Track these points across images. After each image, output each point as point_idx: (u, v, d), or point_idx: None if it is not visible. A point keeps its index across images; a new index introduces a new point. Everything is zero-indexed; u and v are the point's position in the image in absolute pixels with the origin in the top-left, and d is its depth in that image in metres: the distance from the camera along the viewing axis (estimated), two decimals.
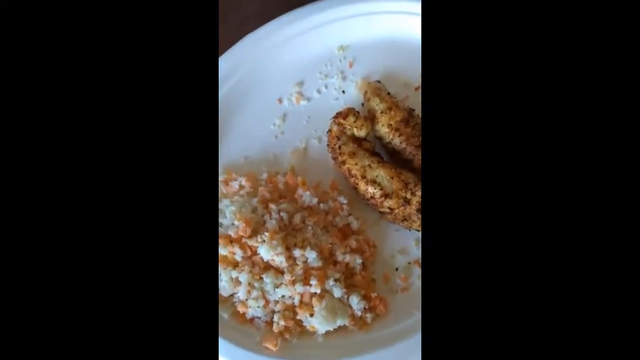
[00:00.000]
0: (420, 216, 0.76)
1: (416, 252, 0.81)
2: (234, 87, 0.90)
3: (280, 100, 0.93)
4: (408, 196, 0.77)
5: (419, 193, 0.76)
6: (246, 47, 0.90)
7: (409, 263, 0.81)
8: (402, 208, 0.77)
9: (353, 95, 0.93)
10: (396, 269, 0.81)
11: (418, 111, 0.88)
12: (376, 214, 0.83)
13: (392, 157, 0.86)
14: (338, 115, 0.83)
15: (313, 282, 0.70)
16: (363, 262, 0.77)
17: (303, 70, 0.94)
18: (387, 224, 0.83)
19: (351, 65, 0.95)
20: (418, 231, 0.80)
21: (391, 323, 0.75)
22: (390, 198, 0.77)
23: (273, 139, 0.91)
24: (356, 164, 0.79)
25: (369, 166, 0.79)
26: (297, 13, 0.92)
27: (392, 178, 0.77)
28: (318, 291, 0.70)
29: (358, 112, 0.84)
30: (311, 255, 0.72)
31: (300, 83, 0.94)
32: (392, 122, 0.82)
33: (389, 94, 0.87)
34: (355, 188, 0.81)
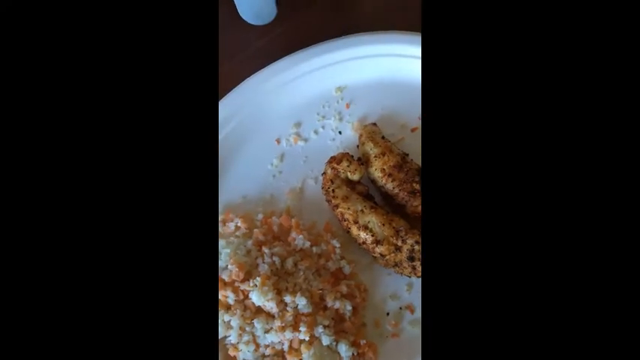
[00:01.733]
0: (410, 263, 0.77)
1: (407, 297, 0.82)
2: (234, 129, 0.93)
3: (278, 141, 0.95)
4: (399, 243, 0.77)
5: (410, 241, 0.77)
6: (246, 91, 0.94)
7: (400, 308, 0.81)
8: (392, 254, 0.78)
9: (349, 136, 0.95)
10: (387, 314, 0.81)
11: (413, 155, 0.89)
12: (369, 257, 0.84)
13: (385, 200, 0.87)
14: (332, 159, 0.85)
15: (302, 328, 0.71)
16: (353, 307, 0.77)
17: (300, 111, 0.96)
18: (380, 268, 0.84)
19: (348, 106, 0.97)
20: (409, 277, 0.81)
21: None
22: (381, 244, 0.78)
23: (270, 178, 0.93)
24: (348, 209, 0.81)
25: (362, 211, 0.80)
26: (297, 57, 0.95)
27: (383, 224, 0.78)
28: (307, 337, 0.71)
29: (352, 157, 0.86)
30: (301, 301, 0.73)
31: (298, 124, 0.97)
32: (385, 167, 0.83)
33: (383, 137, 0.88)
34: (348, 232, 0.83)
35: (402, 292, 0.82)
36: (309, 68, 0.95)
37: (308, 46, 0.97)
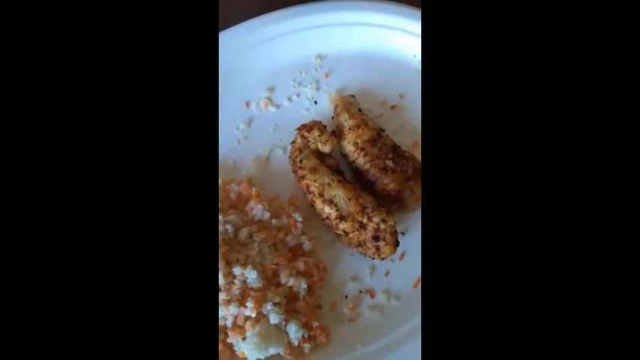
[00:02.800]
0: (374, 243, 0.72)
1: (368, 280, 0.77)
2: None
3: (247, 104, 0.88)
4: (364, 220, 0.72)
5: (376, 219, 0.71)
6: (221, 43, 0.85)
7: (360, 292, 0.76)
8: (357, 232, 0.72)
9: (325, 107, 0.89)
10: (345, 297, 0.76)
11: (389, 131, 0.84)
12: (332, 234, 0.78)
13: (356, 177, 0.81)
14: (303, 126, 0.79)
15: (249, 304, 0.65)
16: (309, 287, 0.72)
17: (275, 75, 0.89)
18: (343, 247, 0.78)
19: (326, 76, 0.90)
20: (373, 259, 0.75)
21: (330, 356, 0.71)
22: (345, 220, 0.72)
23: (235, 143, 0.85)
24: (315, 181, 0.75)
25: (329, 184, 0.74)
26: (277, 15, 0.87)
27: (350, 200, 0.72)
28: (254, 314, 0.65)
29: (325, 127, 0.80)
30: (251, 274, 0.67)
31: (271, 89, 0.89)
32: (358, 141, 0.78)
33: (360, 110, 0.82)
34: (312, 206, 0.76)
35: (364, 274, 0.77)
36: (288, 29, 0.87)
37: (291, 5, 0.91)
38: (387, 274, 0.77)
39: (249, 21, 0.86)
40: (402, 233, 0.79)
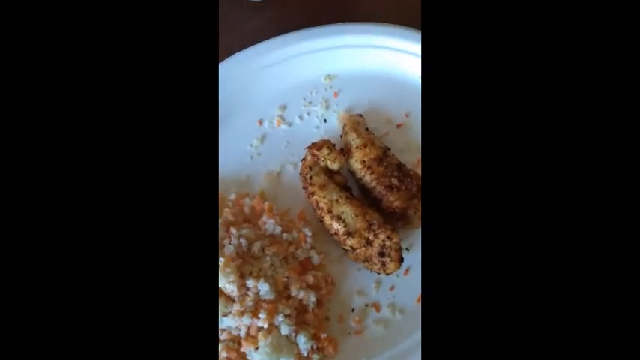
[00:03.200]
0: (380, 259, 0.75)
1: (374, 294, 0.80)
2: (219, 102, 0.90)
3: (261, 122, 0.92)
4: (371, 237, 0.75)
5: (382, 236, 0.74)
6: (233, 66, 0.90)
7: (366, 305, 0.79)
8: (363, 248, 0.76)
9: (334, 125, 0.93)
10: (352, 310, 0.79)
11: (395, 150, 0.87)
12: (340, 249, 0.81)
13: (363, 194, 0.85)
14: (313, 145, 0.83)
15: (262, 315, 0.68)
16: (318, 299, 0.75)
17: (287, 95, 0.93)
18: (350, 261, 0.81)
19: (336, 95, 0.94)
20: (378, 273, 0.78)
21: None
22: (353, 237, 0.75)
23: (248, 159, 0.89)
24: (324, 197, 0.78)
25: (337, 201, 0.78)
26: (289, 38, 0.92)
27: (357, 216, 0.76)
28: (266, 325, 0.68)
29: (334, 145, 0.84)
30: (264, 287, 0.70)
31: (283, 107, 0.94)
32: (365, 159, 0.81)
33: (367, 130, 0.86)
34: (321, 221, 0.80)
35: (369, 288, 0.80)
36: (299, 51, 0.92)
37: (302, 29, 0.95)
38: (392, 288, 0.79)
39: (262, 43, 0.91)
40: (407, 249, 0.82)
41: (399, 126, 0.92)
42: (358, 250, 0.76)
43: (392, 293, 0.79)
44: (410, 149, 0.90)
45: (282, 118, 0.93)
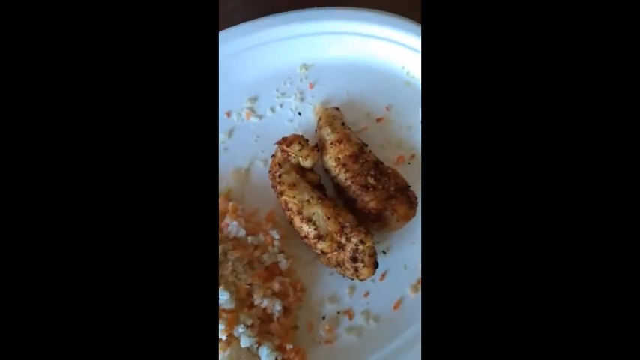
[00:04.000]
0: (353, 264, 0.69)
1: (347, 300, 0.74)
2: None
3: (229, 114, 0.86)
4: (343, 240, 0.69)
5: (354, 239, 0.69)
6: None
7: (338, 313, 0.73)
8: (335, 252, 0.70)
9: (309, 118, 0.86)
10: (323, 317, 0.73)
11: (373, 147, 0.81)
12: (311, 253, 0.75)
13: (338, 194, 0.79)
14: (283, 140, 0.76)
15: (221, 326, 0.62)
16: (285, 307, 0.69)
17: (258, 85, 0.87)
18: (322, 266, 0.75)
19: (311, 86, 0.88)
20: (352, 279, 0.73)
21: None
22: (324, 240, 0.70)
23: None
24: (294, 197, 0.72)
25: (308, 201, 0.72)
26: (261, 22, 0.85)
27: (329, 218, 0.70)
28: (224, 337, 0.62)
29: (306, 141, 0.77)
30: (223, 295, 0.64)
31: (254, 98, 0.87)
32: (340, 156, 0.75)
33: (343, 124, 0.80)
34: (291, 223, 0.74)
35: (342, 294, 0.74)
36: (272, 37, 0.85)
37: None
38: (366, 294, 0.74)
39: (231, 28, 0.84)
40: (384, 252, 0.77)
41: (378, 120, 0.86)
42: (329, 255, 0.70)
43: (366, 300, 0.74)
44: (390, 145, 0.84)
45: (252, 110, 0.86)
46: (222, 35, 0.85)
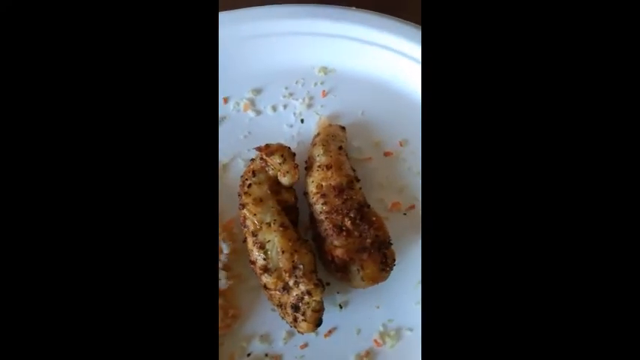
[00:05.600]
0: (293, 312, 0.58)
1: (281, 346, 0.64)
2: None
3: (226, 100, 0.77)
4: (291, 283, 0.59)
5: (302, 287, 0.58)
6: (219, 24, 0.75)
7: (266, 355, 0.63)
8: (278, 292, 0.60)
9: (310, 130, 0.76)
10: (248, 355, 0.64)
11: (368, 185, 0.68)
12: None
13: (311, 224, 0.68)
14: (265, 147, 0.66)
15: None
16: None
17: (266, 77, 0.77)
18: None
19: (324, 94, 0.77)
20: (291, 327, 0.63)
21: None
22: (270, 275, 0.60)
23: None
24: (254, 215, 0.63)
25: (268, 224, 0.62)
26: (285, 10, 0.75)
27: (283, 252, 0.60)
28: None
29: (293, 154, 0.67)
30: None
31: (258, 91, 0.77)
32: (323, 184, 0.64)
33: (341, 148, 0.68)
34: (244, 241, 0.65)
35: (277, 337, 0.64)
36: (295, 29, 0.74)
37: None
38: (304, 346, 0.64)
39: (249, 9, 0.74)
40: (340, 306, 0.66)
41: (387, 154, 0.74)
42: (272, 292, 0.61)
43: (301, 352, 0.64)
44: (389, 187, 0.72)
45: (252, 102, 0.77)
46: (238, 14, 0.75)
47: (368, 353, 0.63)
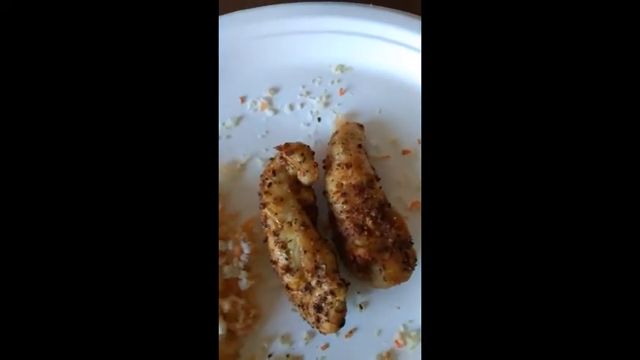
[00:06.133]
0: (316, 313, 0.58)
1: (302, 347, 0.64)
2: None
3: (243, 99, 0.76)
4: (313, 283, 0.58)
5: (325, 287, 0.58)
6: (229, 24, 0.73)
7: (287, 356, 0.63)
8: (300, 292, 0.59)
9: (328, 128, 0.75)
10: (269, 356, 0.64)
11: (387, 183, 0.68)
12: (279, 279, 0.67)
13: (330, 223, 0.68)
14: (285, 146, 0.66)
15: None
16: (230, 331, 0.61)
17: (283, 76, 0.76)
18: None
19: (342, 92, 0.76)
20: (313, 327, 0.62)
21: None
22: (292, 275, 0.59)
23: None
24: (276, 214, 0.62)
25: (290, 224, 0.61)
26: (302, 8, 0.74)
27: (305, 252, 0.59)
28: None
29: (312, 153, 0.66)
30: None
31: (275, 89, 0.77)
32: (343, 182, 0.63)
33: (360, 146, 0.67)
34: (265, 241, 0.65)
35: (298, 338, 0.64)
36: (312, 27, 0.74)
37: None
38: (325, 347, 0.63)
39: (268, 7, 0.74)
40: (360, 307, 0.65)
41: (405, 152, 0.73)
42: (294, 292, 0.61)
43: (322, 353, 0.63)
44: (408, 186, 0.71)
45: (269, 101, 0.76)
46: (254, 13, 0.75)
47: (389, 354, 0.63)
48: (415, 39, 0.73)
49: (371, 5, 0.74)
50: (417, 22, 0.73)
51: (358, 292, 0.66)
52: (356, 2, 0.75)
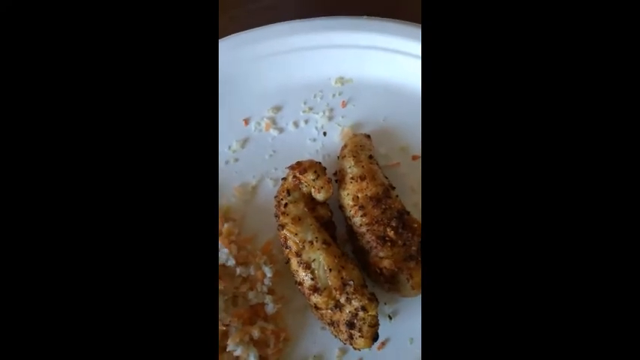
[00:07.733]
0: (348, 330, 0.58)
1: None
2: None
3: (247, 121, 0.76)
4: (342, 300, 0.58)
5: (355, 303, 0.57)
6: (227, 48, 0.73)
7: None
8: (330, 311, 0.59)
9: (334, 141, 0.75)
10: None
11: (402, 190, 0.68)
12: (305, 299, 0.66)
13: (349, 237, 0.68)
14: (297, 165, 0.66)
15: None
16: (262, 358, 0.60)
17: (284, 94, 0.76)
18: (315, 317, 0.66)
19: (344, 105, 0.77)
20: (345, 344, 0.62)
21: None
22: (320, 294, 0.59)
23: (222, 164, 0.74)
24: (296, 234, 0.62)
25: (311, 243, 0.61)
26: (297, 25, 0.74)
27: (330, 270, 0.59)
28: None
29: (324, 169, 0.66)
30: None
31: (277, 108, 0.77)
32: (359, 195, 0.64)
33: (371, 157, 0.68)
34: (287, 262, 0.65)
35: (330, 355, 0.64)
36: (308, 43, 0.74)
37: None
38: None
39: (262, 28, 0.74)
40: (390, 317, 0.65)
41: (415, 158, 0.74)
42: (324, 311, 0.60)
43: None
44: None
45: (273, 121, 0.76)
46: (251, 35, 0.74)
47: None
48: (412, 45, 0.74)
49: (365, 16, 0.75)
50: (412, 29, 0.74)
51: (385, 303, 0.66)
52: (348, 15, 0.76)
